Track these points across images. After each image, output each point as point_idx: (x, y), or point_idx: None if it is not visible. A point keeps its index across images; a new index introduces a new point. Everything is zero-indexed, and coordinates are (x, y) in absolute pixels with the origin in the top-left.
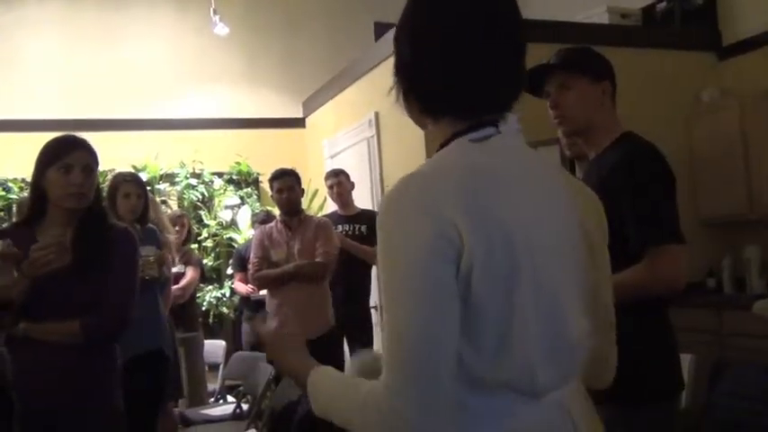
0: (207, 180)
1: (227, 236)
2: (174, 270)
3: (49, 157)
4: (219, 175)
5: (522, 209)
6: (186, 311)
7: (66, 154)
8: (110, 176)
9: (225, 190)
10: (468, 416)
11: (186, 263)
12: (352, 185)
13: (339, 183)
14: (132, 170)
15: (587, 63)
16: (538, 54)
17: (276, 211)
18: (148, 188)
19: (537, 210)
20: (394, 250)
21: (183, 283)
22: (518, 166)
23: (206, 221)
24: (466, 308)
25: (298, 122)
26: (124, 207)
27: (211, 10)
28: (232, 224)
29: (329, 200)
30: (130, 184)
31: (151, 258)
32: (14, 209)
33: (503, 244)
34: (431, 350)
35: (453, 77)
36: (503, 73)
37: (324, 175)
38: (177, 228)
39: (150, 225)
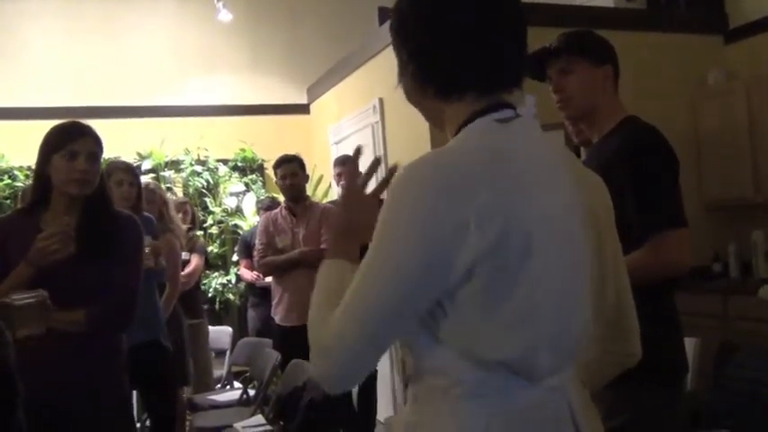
0: (212, 167)
1: (233, 223)
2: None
3: (54, 143)
4: (224, 161)
5: (539, 195)
6: (191, 298)
7: (72, 141)
8: None
9: (230, 177)
10: (469, 393)
11: (191, 250)
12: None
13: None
14: (137, 157)
15: (589, 46)
16: (542, 38)
17: (282, 198)
18: (153, 175)
19: (551, 196)
20: (398, 218)
21: (187, 270)
22: (536, 152)
23: (211, 208)
24: (473, 287)
25: (302, 109)
26: (116, 195)
27: None
28: (237, 211)
29: (334, 186)
30: (123, 171)
31: (147, 249)
32: (19, 197)
33: (518, 227)
34: (385, 321)
35: (473, 57)
36: (515, 49)
37: (330, 161)
38: (180, 215)
39: (146, 214)
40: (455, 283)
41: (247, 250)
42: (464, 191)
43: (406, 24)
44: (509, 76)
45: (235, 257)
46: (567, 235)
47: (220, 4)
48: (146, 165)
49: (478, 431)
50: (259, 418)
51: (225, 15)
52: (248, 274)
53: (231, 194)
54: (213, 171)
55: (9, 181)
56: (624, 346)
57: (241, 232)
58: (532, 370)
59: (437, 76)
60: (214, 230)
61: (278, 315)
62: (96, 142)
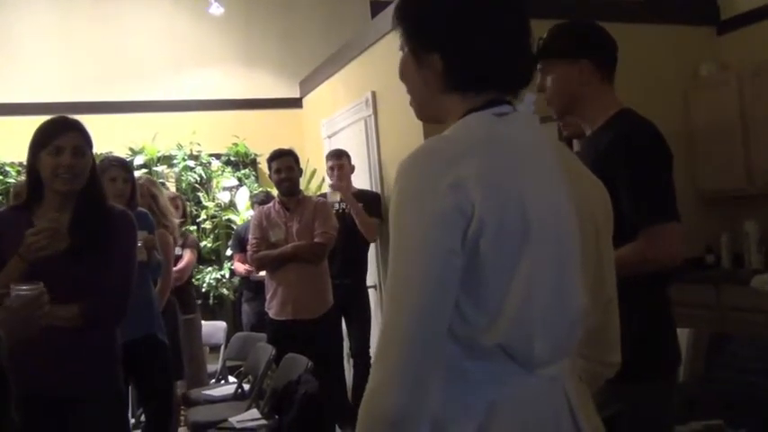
0: (205, 161)
1: (226, 217)
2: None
3: (40, 139)
4: (217, 156)
5: (536, 182)
6: (184, 294)
7: (58, 136)
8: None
9: (223, 171)
10: (467, 381)
11: (183, 245)
12: (353, 169)
13: (341, 165)
14: (130, 152)
15: (559, 46)
16: (536, 30)
17: (275, 192)
18: (146, 170)
19: (549, 186)
20: (407, 214)
21: (180, 265)
22: (530, 142)
23: (204, 203)
24: (471, 270)
25: (295, 103)
26: (110, 191)
27: None
28: (230, 205)
29: (327, 179)
30: (116, 168)
31: (139, 243)
32: (10, 193)
33: (516, 211)
34: (430, 322)
35: (491, 55)
36: (524, 48)
37: (323, 155)
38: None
39: (141, 209)
40: (465, 258)
41: (241, 245)
42: (458, 159)
43: (432, 20)
44: (525, 76)
45: (228, 252)
46: (561, 222)
47: None
48: (138, 160)
49: (478, 418)
50: (254, 413)
51: (216, 9)
52: (242, 269)
53: (224, 189)
54: (206, 166)
55: (1, 177)
56: (604, 354)
57: (234, 227)
58: (529, 356)
59: (465, 74)
60: (207, 225)
61: (272, 309)
62: (83, 136)
